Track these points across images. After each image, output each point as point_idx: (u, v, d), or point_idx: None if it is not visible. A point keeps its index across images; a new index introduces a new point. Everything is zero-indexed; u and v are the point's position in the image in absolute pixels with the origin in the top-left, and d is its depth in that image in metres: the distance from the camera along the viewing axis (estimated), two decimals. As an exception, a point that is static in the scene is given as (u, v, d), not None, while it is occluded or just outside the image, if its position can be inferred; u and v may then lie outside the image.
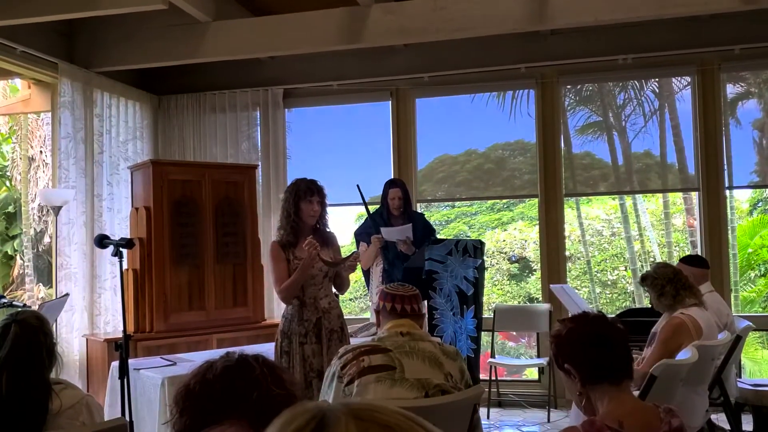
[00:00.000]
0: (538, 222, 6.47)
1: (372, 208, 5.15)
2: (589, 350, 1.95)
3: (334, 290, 3.88)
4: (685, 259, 4.36)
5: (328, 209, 3.89)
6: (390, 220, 5.06)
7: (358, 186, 4.84)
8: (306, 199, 3.72)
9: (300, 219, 3.73)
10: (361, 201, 4.85)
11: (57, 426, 2.20)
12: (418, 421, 0.66)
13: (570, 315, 2.16)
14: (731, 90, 6.14)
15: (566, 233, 6.90)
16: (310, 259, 3.59)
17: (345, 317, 3.88)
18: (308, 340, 3.65)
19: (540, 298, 6.97)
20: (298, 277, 3.66)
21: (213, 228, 5.74)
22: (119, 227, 6.13)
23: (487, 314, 6.17)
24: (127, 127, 6.49)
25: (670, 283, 3.55)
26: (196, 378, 1.57)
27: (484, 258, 5.06)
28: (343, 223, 9.97)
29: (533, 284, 10.65)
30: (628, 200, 9.95)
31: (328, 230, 3.88)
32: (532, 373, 6.86)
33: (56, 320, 5.14)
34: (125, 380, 3.59)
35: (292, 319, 3.70)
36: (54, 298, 5.58)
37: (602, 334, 1.96)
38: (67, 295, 5.31)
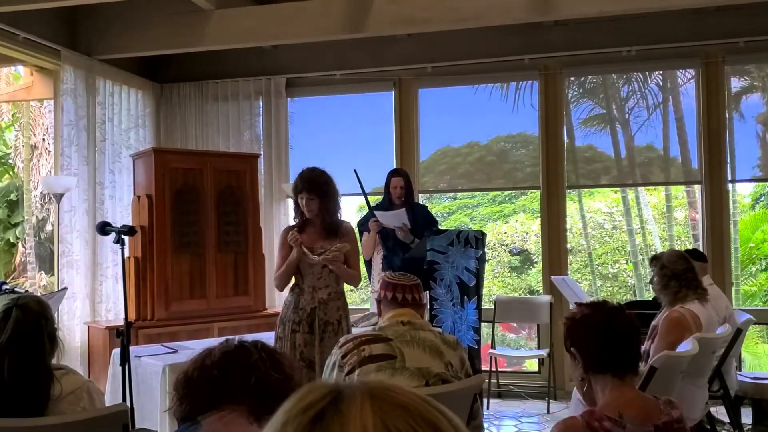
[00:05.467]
0: (539, 214, 6.47)
1: (373, 199, 5.14)
2: (597, 340, 1.94)
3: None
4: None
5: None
6: (391, 209, 5.04)
7: (355, 171, 4.80)
8: (299, 195, 3.72)
9: (302, 212, 3.75)
10: (359, 186, 4.82)
11: (58, 411, 2.20)
12: (432, 404, 0.67)
13: (588, 301, 2.15)
14: (735, 83, 6.12)
15: (568, 226, 6.89)
16: (297, 254, 3.63)
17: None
18: (301, 328, 3.64)
19: (541, 291, 6.98)
20: (285, 269, 3.71)
21: (215, 217, 5.75)
22: (121, 215, 6.14)
23: (488, 305, 6.18)
24: (130, 115, 6.49)
25: (676, 278, 3.51)
26: (195, 365, 1.57)
27: (485, 249, 5.06)
28: (345, 213, 9.96)
29: (534, 276, 10.66)
30: (631, 193, 9.94)
31: (341, 221, 3.81)
32: (532, 365, 6.87)
33: (57, 310, 5.15)
34: (126, 367, 3.61)
35: (289, 306, 3.72)
36: (54, 290, 5.59)
37: (614, 326, 1.94)
38: (65, 288, 5.32)
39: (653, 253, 9.67)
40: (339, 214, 3.81)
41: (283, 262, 3.75)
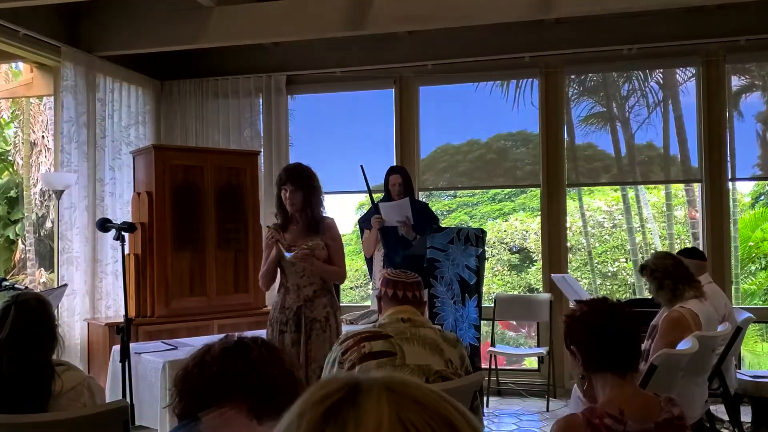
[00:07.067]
0: (539, 212, 6.46)
1: (375, 197, 5.14)
2: (597, 338, 1.93)
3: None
4: (682, 252, 4.34)
5: (326, 196, 3.82)
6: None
7: (361, 167, 4.80)
8: (281, 187, 3.69)
9: (283, 206, 3.72)
10: (365, 182, 4.82)
11: (59, 407, 2.21)
12: (448, 400, 0.67)
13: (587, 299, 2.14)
14: (735, 82, 6.12)
15: (568, 224, 6.89)
16: (275, 252, 3.62)
17: (346, 305, 3.85)
18: (288, 328, 3.62)
19: (540, 289, 6.98)
20: (266, 268, 3.71)
21: (214, 214, 5.74)
22: (121, 212, 6.13)
23: (487, 303, 6.18)
24: (130, 112, 6.48)
25: (668, 276, 3.50)
26: (194, 361, 1.57)
27: (485, 247, 5.05)
28: (345, 210, 9.98)
29: (533, 275, 10.66)
30: (630, 192, 9.95)
31: (324, 216, 3.75)
32: (532, 363, 6.88)
33: (57, 307, 5.15)
34: (126, 364, 3.61)
35: (276, 307, 3.71)
36: (54, 286, 5.58)
37: (614, 324, 1.94)
38: (65, 285, 5.32)
39: (653, 251, 9.69)
40: (322, 211, 3.75)
41: (266, 261, 3.75)
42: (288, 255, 3.60)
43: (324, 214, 3.78)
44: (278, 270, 3.77)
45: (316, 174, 3.74)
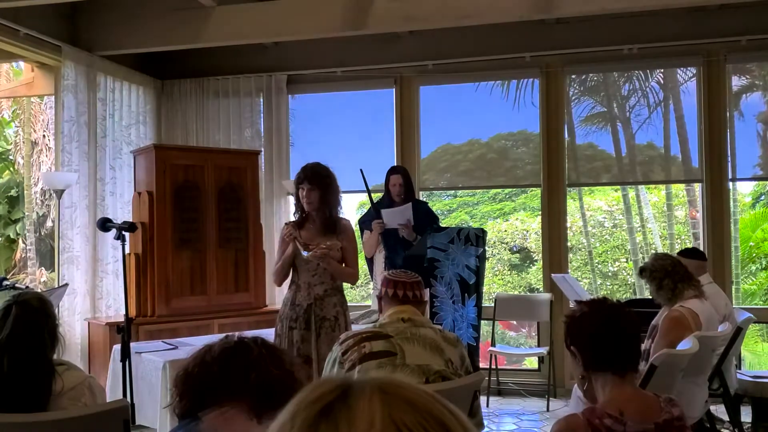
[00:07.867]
0: (540, 212, 6.46)
1: (375, 197, 5.14)
2: (597, 338, 1.94)
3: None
4: (682, 252, 4.34)
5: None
6: (392, 207, 5.04)
7: (361, 171, 4.81)
8: (299, 185, 3.72)
9: (301, 204, 3.74)
10: (364, 186, 4.83)
11: (59, 406, 2.21)
12: (441, 401, 0.67)
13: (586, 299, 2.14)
14: (736, 82, 6.11)
15: (568, 224, 6.89)
16: (292, 249, 3.64)
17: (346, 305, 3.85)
18: (298, 325, 3.64)
19: (541, 289, 6.97)
20: (281, 264, 3.72)
21: (215, 213, 5.75)
22: (122, 212, 6.14)
23: (488, 303, 6.18)
24: (130, 112, 6.48)
25: (668, 276, 3.52)
26: (195, 361, 1.57)
27: (486, 247, 5.05)
28: (345, 210, 9.97)
29: (534, 274, 10.66)
30: (631, 192, 9.94)
31: (340, 218, 3.79)
32: (532, 363, 6.88)
33: (58, 306, 5.15)
34: (127, 363, 3.62)
35: (287, 303, 3.73)
36: (55, 286, 5.59)
37: (613, 324, 1.94)
38: (66, 285, 5.32)
39: (653, 251, 9.69)
40: (339, 211, 3.80)
41: (281, 257, 3.76)
42: (305, 254, 3.63)
43: (341, 215, 3.82)
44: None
45: (335, 175, 3.76)
